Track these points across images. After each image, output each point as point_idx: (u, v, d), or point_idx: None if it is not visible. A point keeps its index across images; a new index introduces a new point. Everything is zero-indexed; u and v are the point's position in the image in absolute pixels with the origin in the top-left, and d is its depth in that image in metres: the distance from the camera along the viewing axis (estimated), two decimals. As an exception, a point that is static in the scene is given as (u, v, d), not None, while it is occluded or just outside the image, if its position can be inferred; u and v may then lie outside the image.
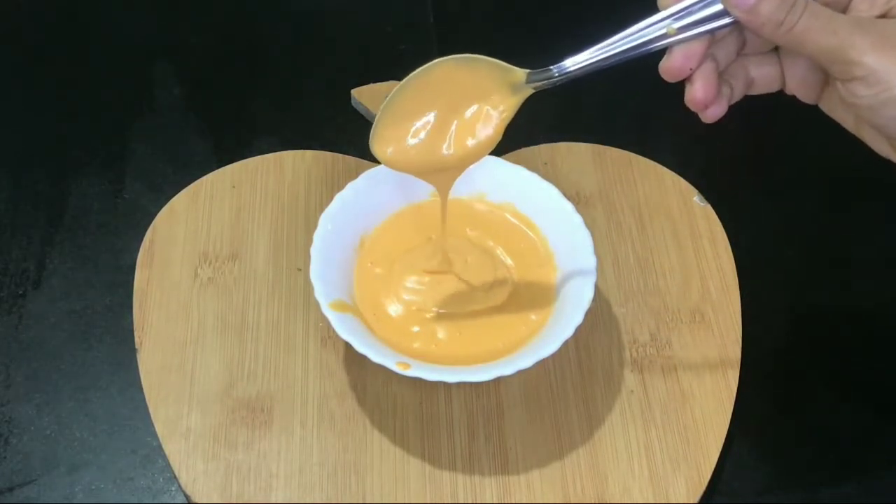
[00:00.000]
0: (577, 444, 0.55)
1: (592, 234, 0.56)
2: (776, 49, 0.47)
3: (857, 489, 0.55)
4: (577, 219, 0.56)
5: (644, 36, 0.44)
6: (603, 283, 0.61)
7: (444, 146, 0.50)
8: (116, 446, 0.56)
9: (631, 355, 0.58)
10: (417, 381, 0.52)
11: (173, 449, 0.54)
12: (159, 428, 0.55)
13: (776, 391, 0.59)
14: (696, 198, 0.65)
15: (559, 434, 0.55)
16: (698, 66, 0.45)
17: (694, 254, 0.63)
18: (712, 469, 0.54)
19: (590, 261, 0.54)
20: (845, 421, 0.58)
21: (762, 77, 0.47)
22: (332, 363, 0.57)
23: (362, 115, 0.71)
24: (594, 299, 0.53)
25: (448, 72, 0.49)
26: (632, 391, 0.57)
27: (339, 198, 0.57)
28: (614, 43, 0.45)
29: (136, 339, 0.58)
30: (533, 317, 0.55)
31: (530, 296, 0.56)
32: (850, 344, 0.62)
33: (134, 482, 0.55)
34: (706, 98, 0.45)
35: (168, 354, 0.57)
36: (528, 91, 0.48)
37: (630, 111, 0.74)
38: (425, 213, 0.59)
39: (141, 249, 0.62)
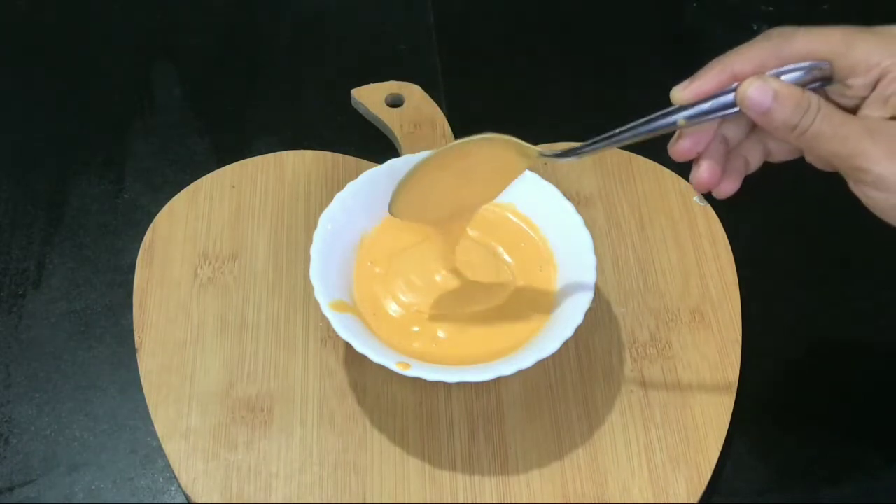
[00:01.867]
0: (577, 444, 0.55)
1: (592, 234, 0.56)
2: None
3: (857, 489, 0.55)
4: (577, 219, 0.56)
5: (655, 128, 0.45)
6: (603, 283, 0.61)
7: (458, 203, 0.53)
8: (116, 446, 0.56)
9: (631, 355, 0.58)
10: (417, 381, 0.52)
11: (173, 449, 0.54)
12: (159, 428, 0.55)
13: (776, 391, 0.59)
14: (695, 198, 0.65)
15: (559, 434, 0.55)
16: (706, 149, 0.46)
17: (694, 254, 0.63)
18: (712, 469, 0.54)
19: (590, 261, 0.54)
20: (845, 421, 0.58)
21: (779, 149, 0.47)
22: (332, 363, 0.57)
23: (362, 115, 0.71)
24: (594, 299, 0.53)
25: (467, 149, 0.50)
26: (632, 391, 0.57)
27: (339, 198, 0.57)
28: (626, 131, 0.46)
29: (136, 339, 0.58)
30: (533, 317, 0.55)
31: (530, 296, 0.56)
32: (851, 344, 0.62)
33: (134, 482, 0.55)
34: (710, 181, 0.46)
35: (168, 354, 0.57)
36: (540, 160, 0.50)
37: (630, 111, 0.74)
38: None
39: (141, 249, 0.62)
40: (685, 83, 0.45)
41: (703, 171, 0.46)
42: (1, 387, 0.58)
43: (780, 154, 0.47)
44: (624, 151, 0.68)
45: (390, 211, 0.52)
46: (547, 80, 0.77)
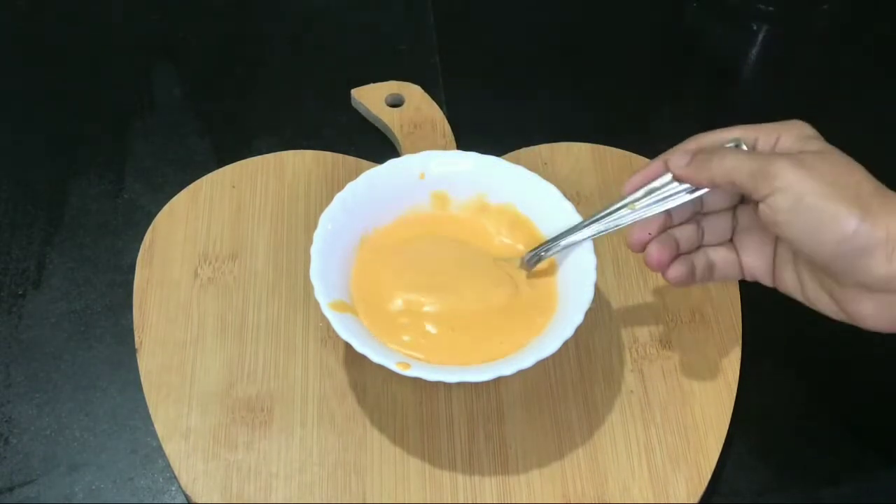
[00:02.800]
0: (577, 444, 0.55)
1: (592, 234, 0.56)
2: (731, 240, 0.53)
3: (857, 489, 0.56)
4: (577, 219, 0.56)
5: (613, 217, 0.53)
6: (603, 283, 0.61)
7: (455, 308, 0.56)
8: (116, 446, 0.56)
9: (631, 355, 0.58)
10: (417, 381, 0.52)
11: (173, 449, 0.54)
12: (159, 428, 0.55)
13: (776, 391, 0.59)
14: (696, 198, 0.65)
15: (559, 434, 0.55)
16: (657, 234, 0.51)
17: (694, 254, 0.63)
18: (712, 469, 0.54)
19: (590, 261, 0.54)
20: (845, 421, 0.58)
21: (721, 260, 0.52)
22: (332, 363, 0.57)
23: (362, 115, 0.71)
24: (594, 299, 0.53)
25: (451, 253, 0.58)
26: (632, 391, 0.57)
27: (339, 198, 0.57)
28: (585, 225, 0.54)
29: (136, 339, 0.58)
30: (533, 317, 0.55)
31: (530, 296, 0.56)
32: (851, 344, 0.61)
33: (134, 482, 0.55)
34: (660, 258, 0.51)
35: (168, 354, 0.57)
36: (524, 271, 0.57)
37: (630, 111, 0.74)
38: (426, 212, 0.59)
39: (141, 249, 0.62)
40: (631, 177, 0.53)
41: (653, 250, 0.51)
42: (1, 387, 0.58)
43: (722, 267, 0.52)
44: (624, 151, 0.68)
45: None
46: (547, 80, 0.77)
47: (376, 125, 0.71)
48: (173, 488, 0.54)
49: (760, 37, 0.80)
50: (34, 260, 0.63)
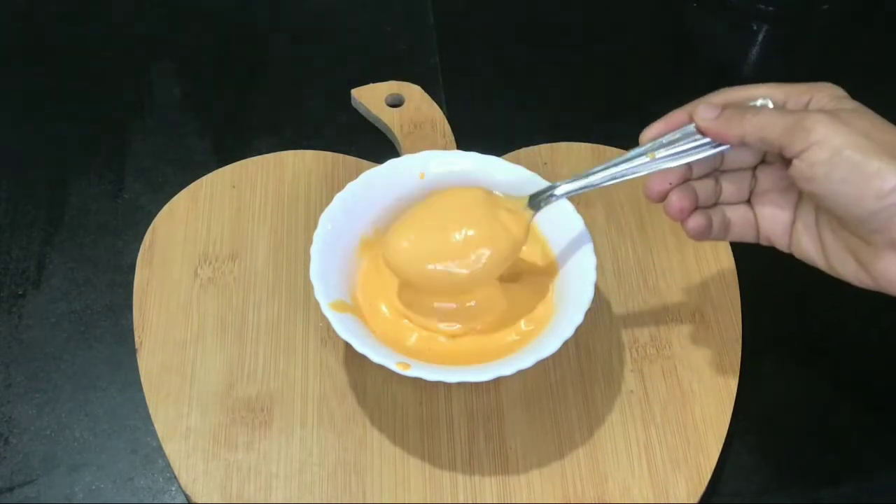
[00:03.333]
0: (577, 444, 0.55)
1: (592, 234, 0.56)
2: (749, 201, 0.51)
3: (857, 489, 0.56)
4: (578, 219, 0.56)
5: (630, 165, 0.50)
6: (603, 283, 0.61)
7: (454, 264, 0.53)
8: (116, 446, 0.56)
9: (631, 355, 0.58)
10: (417, 381, 0.52)
11: (173, 449, 0.54)
12: (159, 428, 0.55)
13: (776, 391, 0.59)
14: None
15: (559, 434, 0.55)
16: (677, 184, 0.50)
17: (694, 254, 0.63)
18: (712, 469, 0.54)
19: (590, 261, 0.54)
20: (845, 421, 0.58)
21: (738, 219, 0.51)
22: (332, 363, 0.57)
23: (362, 115, 0.71)
24: (594, 299, 0.53)
25: (458, 197, 0.55)
26: (632, 391, 0.57)
27: (339, 198, 0.57)
28: (600, 170, 0.51)
29: (136, 339, 0.58)
30: (533, 317, 0.55)
31: (530, 296, 0.56)
32: (851, 344, 0.62)
33: (134, 482, 0.55)
34: (681, 205, 0.49)
35: (168, 354, 0.57)
36: (531, 213, 0.54)
37: (630, 111, 0.74)
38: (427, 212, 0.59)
39: (141, 249, 0.62)
40: (651, 125, 0.50)
41: (675, 198, 0.50)
42: (1, 387, 0.58)
43: (738, 227, 0.51)
44: (624, 151, 0.67)
45: (385, 257, 0.54)
46: (547, 80, 0.77)
47: (376, 125, 0.71)
48: (173, 488, 0.54)
49: (760, 37, 0.80)
50: (34, 260, 0.63)
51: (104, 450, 0.56)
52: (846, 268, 0.48)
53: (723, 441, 0.55)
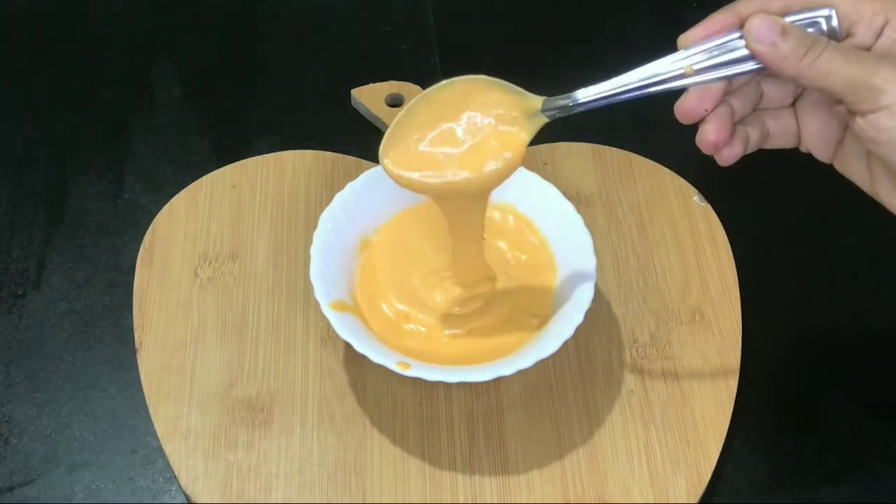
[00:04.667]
0: (577, 444, 0.55)
1: (592, 234, 0.56)
2: (793, 105, 0.46)
3: (857, 489, 0.55)
4: (577, 219, 0.56)
5: (662, 74, 0.44)
6: (603, 283, 0.61)
7: (457, 168, 0.49)
8: (116, 446, 0.56)
9: (631, 355, 0.58)
10: (417, 381, 0.52)
11: (173, 449, 0.54)
12: (159, 428, 0.55)
13: (776, 391, 0.59)
14: (695, 198, 0.65)
15: (559, 434, 0.55)
16: (713, 109, 0.45)
17: (694, 254, 0.63)
18: (712, 469, 0.54)
19: (590, 261, 0.54)
20: (845, 421, 0.58)
21: (779, 130, 0.47)
22: (332, 363, 0.57)
23: (362, 115, 0.71)
24: (594, 299, 0.53)
25: (463, 91, 0.49)
26: (632, 391, 0.57)
27: (339, 198, 0.57)
28: (631, 78, 0.45)
29: (136, 339, 0.58)
30: (533, 317, 0.55)
31: (530, 296, 0.56)
32: (851, 343, 0.62)
33: (134, 482, 0.55)
34: (718, 140, 0.45)
35: (168, 354, 0.57)
36: (543, 120, 0.48)
37: (630, 111, 0.74)
38: (426, 212, 0.59)
39: (141, 249, 0.62)
40: (693, 28, 0.44)
41: (710, 130, 0.45)
42: (1, 387, 0.58)
43: (777, 137, 0.46)
44: (624, 151, 0.68)
45: (381, 160, 0.49)
46: (547, 81, 0.76)
47: (376, 125, 0.71)
48: (173, 488, 0.54)
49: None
50: (34, 260, 0.63)
51: (104, 450, 0.56)
52: (893, 200, 0.44)
53: (723, 441, 0.55)
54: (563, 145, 0.68)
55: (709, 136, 0.45)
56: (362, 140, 0.70)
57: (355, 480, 0.53)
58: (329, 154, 0.67)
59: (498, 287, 0.57)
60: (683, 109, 0.45)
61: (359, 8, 0.80)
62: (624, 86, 0.45)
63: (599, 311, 0.60)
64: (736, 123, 0.46)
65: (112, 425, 0.57)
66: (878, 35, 0.42)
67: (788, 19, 0.42)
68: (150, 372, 0.57)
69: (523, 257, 0.58)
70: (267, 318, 0.59)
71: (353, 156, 0.67)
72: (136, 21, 0.79)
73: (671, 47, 0.77)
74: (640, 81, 0.44)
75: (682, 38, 0.44)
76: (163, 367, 0.57)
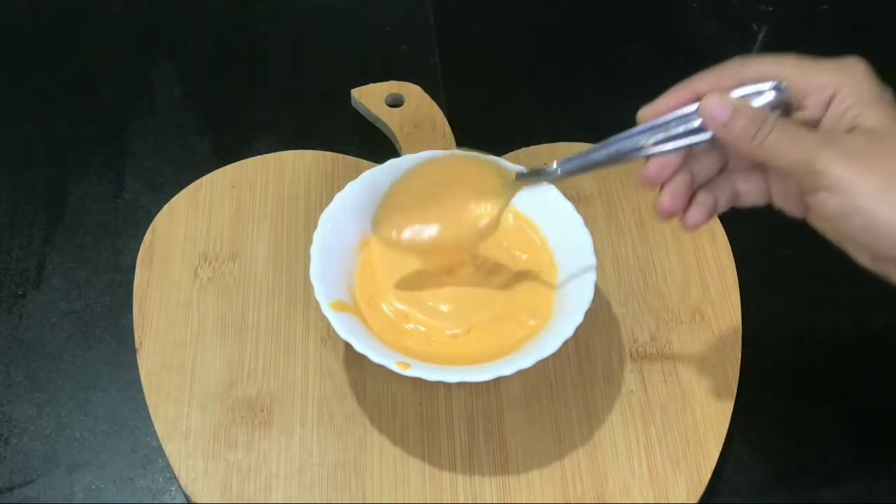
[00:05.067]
0: (577, 444, 0.55)
1: (592, 234, 0.56)
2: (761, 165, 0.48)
3: (857, 489, 0.55)
4: (577, 219, 0.56)
5: (625, 148, 0.47)
6: (603, 283, 0.61)
7: (443, 229, 0.54)
8: (116, 446, 0.56)
9: (631, 355, 0.58)
10: (417, 381, 0.52)
11: (173, 449, 0.54)
12: (159, 428, 0.55)
13: (776, 391, 0.59)
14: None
15: (559, 434, 0.55)
16: (671, 178, 0.47)
17: (694, 254, 0.63)
18: (712, 469, 0.54)
19: (590, 261, 0.54)
20: (845, 421, 0.58)
21: (749, 190, 0.48)
22: (332, 363, 0.57)
23: (362, 115, 0.71)
24: (594, 299, 0.53)
25: (447, 165, 0.56)
26: (632, 391, 0.57)
27: (339, 198, 0.57)
28: (598, 150, 0.48)
29: (136, 339, 0.58)
30: (533, 317, 0.55)
31: (530, 296, 0.56)
32: (851, 344, 0.62)
33: (134, 482, 0.55)
34: (671, 208, 0.47)
35: (168, 354, 0.57)
36: (519, 188, 0.53)
37: (630, 111, 0.74)
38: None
39: (141, 249, 0.62)
40: (651, 103, 0.47)
41: (665, 199, 0.47)
42: (1, 387, 0.58)
43: (748, 196, 0.48)
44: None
45: (373, 229, 0.55)
46: (547, 80, 0.77)
47: (376, 125, 0.71)
48: (173, 488, 0.54)
49: (760, 37, 0.80)
50: (34, 260, 0.63)
51: (104, 450, 0.56)
52: (861, 260, 0.44)
53: (723, 441, 0.55)
54: (563, 145, 0.68)
55: (664, 205, 0.47)
56: (362, 140, 0.70)
57: (355, 480, 0.53)
58: (329, 154, 0.67)
59: (498, 287, 0.57)
60: (645, 177, 0.47)
61: (359, 8, 0.80)
62: (589, 162, 0.48)
63: (599, 311, 0.60)
64: (700, 189, 0.47)
65: (112, 425, 0.57)
66: (827, 107, 0.44)
67: (742, 92, 0.44)
68: (150, 372, 0.57)
69: (523, 257, 0.58)
70: (267, 318, 0.59)
71: (353, 156, 0.67)
72: (136, 21, 0.79)
73: (671, 47, 0.78)
74: (606, 157, 0.48)
75: (642, 113, 0.47)
76: (163, 367, 0.57)
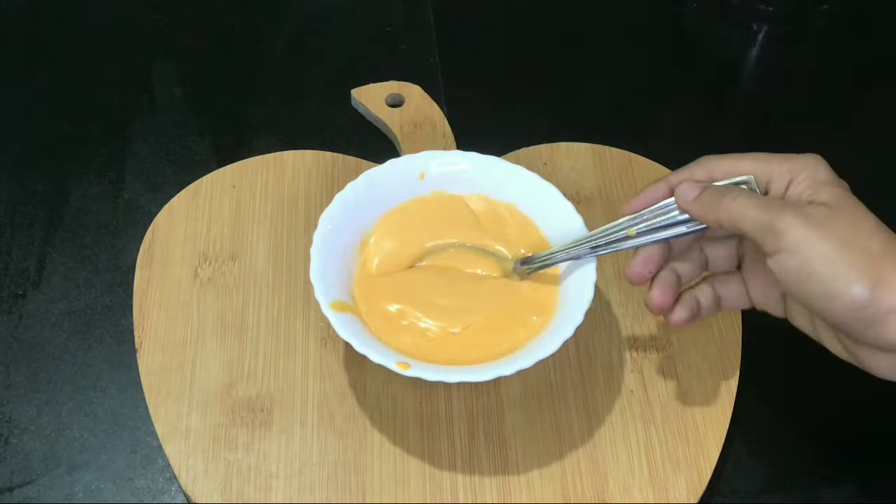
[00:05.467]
0: (577, 444, 0.55)
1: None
2: (739, 268, 0.51)
3: (857, 489, 0.56)
4: (578, 219, 0.56)
5: (610, 237, 0.52)
6: (603, 283, 0.61)
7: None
8: (116, 446, 0.56)
9: (631, 355, 0.58)
10: (417, 381, 0.52)
11: (173, 449, 0.54)
12: (159, 428, 0.55)
13: (776, 391, 0.59)
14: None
15: (559, 434, 0.55)
16: (657, 272, 0.50)
17: (694, 254, 0.63)
18: (712, 469, 0.54)
19: (590, 261, 0.54)
20: (845, 421, 0.58)
21: (729, 294, 0.51)
22: (332, 363, 0.57)
23: (362, 115, 0.71)
24: (594, 299, 0.53)
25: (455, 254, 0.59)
26: (632, 391, 0.57)
27: (339, 198, 0.57)
28: (584, 242, 0.53)
29: (136, 339, 0.58)
30: (533, 317, 0.55)
31: (530, 296, 0.56)
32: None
33: (134, 482, 0.55)
34: (662, 303, 0.50)
35: (168, 354, 0.57)
36: (515, 278, 0.57)
37: (630, 111, 0.74)
38: (426, 211, 0.59)
39: (141, 249, 0.62)
40: (632, 198, 0.51)
41: (655, 294, 0.50)
42: (1, 387, 0.58)
43: (729, 300, 0.52)
44: (624, 151, 0.68)
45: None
46: (547, 80, 0.77)
47: (376, 125, 0.71)
48: (173, 488, 0.54)
49: (760, 37, 0.80)
50: (34, 260, 0.63)
51: (104, 450, 0.56)
52: (836, 351, 0.48)
53: (723, 441, 0.55)
54: (563, 145, 0.68)
55: (655, 300, 0.50)
56: (362, 140, 0.70)
57: (355, 480, 0.53)
58: (329, 154, 0.67)
59: (498, 287, 0.57)
60: (631, 273, 0.51)
61: (359, 8, 0.80)
62: (578, 251, 0.53)
63: (599, 311, 0.60)
64: (685, 290, 0.51)
65: (112, 425, 0.57)
66: (787, 190, 0.47)
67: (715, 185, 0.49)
68: (150, 372, 0.57)
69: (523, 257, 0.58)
70: (267, 318, 0.59)
71: (353, 156, 0.67)
72: (136, 21, 0.79)
73: (671, 47, 0.78)
74: (591, 244, 0.53)
75: (626, 207, 0.51)
76: (163, 367, 0.57)
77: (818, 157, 0.48)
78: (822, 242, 0.43)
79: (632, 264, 0.51)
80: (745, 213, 0.46)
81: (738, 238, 0.51)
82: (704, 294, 0.51)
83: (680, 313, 0.50)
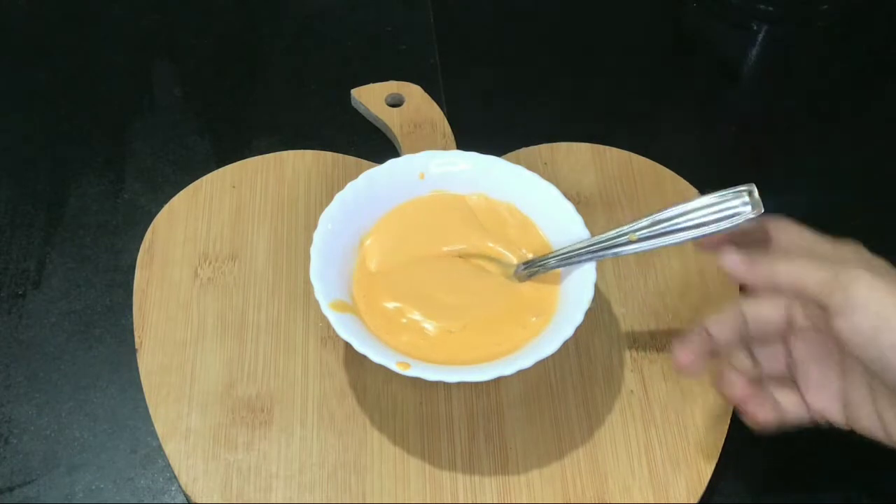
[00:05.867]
0: (577, 444, 0.55)
1: (592, 234, 0.56)
2: (792, 376, 0.48)
3: (857, 489, 0.55)
4: (578, 219, 0.56)
5: (611, 241, 0.52)
6: (603, 283, 0.61)
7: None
8: (116, 446, 0.56)
9: (631, 355, 0.58)
10: (417, 381, 0.52)
11: (173, 449, 0.54)
12: (159, 428, 0.55)
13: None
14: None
15: (559, 434, 0.55)
16: (699, 356, 0.48)
17: (694, 254, 0.63)
18: (712, 469, 0.54)
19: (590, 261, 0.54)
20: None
21: (786, 403, 0.49)
22: (332, 363, 0.57)
23: (362, 115, 0.71)
24: (594, 299, 0.53)
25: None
26: (632, 391, 0.57)
27: (339, 198, 0.57)
28: (587, 247, 0.53)
29: (136, 339, 0.58)
30: (533, 317, 0.55)
31: (530, 296, 0.56)
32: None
33: (134, 482, 0.55)
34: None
35: (168, 354, 0.57)
36: (515, 280, 0.57)
37: (630, 111, 0.74)
38: (426, 211, 0.59)
39: (141, 249, 0.62)
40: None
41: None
42: (1, 387, 0.58)
43: (789, 409, 0.49)
44: (624, 151, 0.68)
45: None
46: (547, 80, 0.77)
47: (376, 125, 0.71)
48: (173, 488, 0.54)
49: (760, 37, 0.80)
50: (34, 260, 0.63)
51: (104, 450, 0.56)
52: None
53: (723, 441, 0.55)
54: (563, 145, 0.68)
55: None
56: (362, 140, 0.70)
57: (355, 480, 0.53)
58: (329, 154, 0.67)
59: (498, 286, 0.57)
60: (677, 363, 0.49)
61: (359, 8, 0.80)
62: (582, 253, 0.54)
63: (599, 311, 0.60)
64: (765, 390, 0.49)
65: (112, 425, 0.57)
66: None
67: None
68: (150, 372, 0.57)
69: (523, 257, 0.58)
70: (267, 318, 0.59)
71: (353, 156, 0.67)
72: (136, 21, 0.79)
73: (671, 47, 0.78)
74: (593, 248, 0.53)
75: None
76: (163, 367, 0.57)
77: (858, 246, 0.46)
78: (892, 294, 0.41)
79: (677, 357, 0.49)
80: (803, 273, 0.44)
81: (783, 340, 0.48)
82: (767, 397, 0.49)
83: (763, 413, 0.48)
